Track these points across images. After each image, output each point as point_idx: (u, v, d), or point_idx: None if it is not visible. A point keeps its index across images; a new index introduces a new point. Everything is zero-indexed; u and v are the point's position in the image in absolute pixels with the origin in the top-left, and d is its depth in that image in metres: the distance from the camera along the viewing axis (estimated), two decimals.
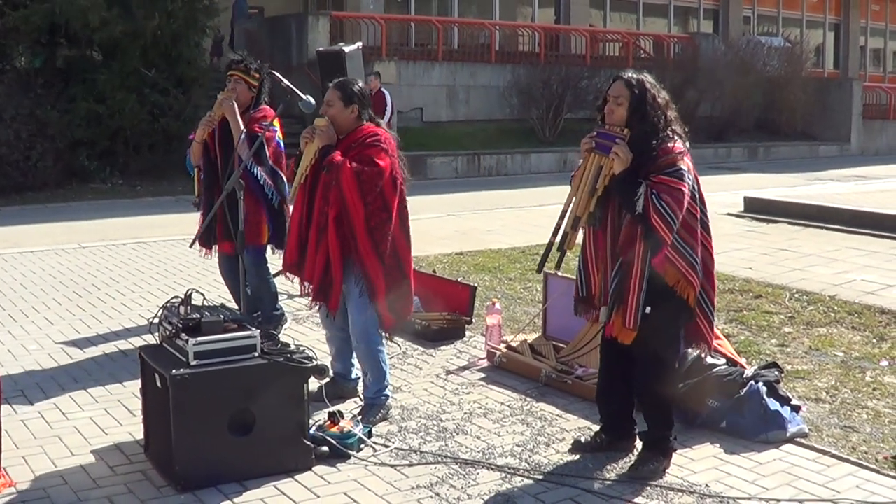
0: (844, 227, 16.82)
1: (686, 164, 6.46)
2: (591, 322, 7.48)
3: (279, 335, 7.95)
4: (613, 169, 6.38)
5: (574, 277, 7.18)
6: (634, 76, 6.61)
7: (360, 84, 7.83)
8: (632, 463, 6.80)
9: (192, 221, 10.05)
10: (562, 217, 6.56)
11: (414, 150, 26.05)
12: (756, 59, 37.76)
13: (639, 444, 7.02)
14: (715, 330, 7.23)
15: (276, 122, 9.13)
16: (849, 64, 50.54)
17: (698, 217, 6.55)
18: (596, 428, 7.24)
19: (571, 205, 6.53)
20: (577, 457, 6.96)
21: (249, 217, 8.94)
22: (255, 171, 9.00)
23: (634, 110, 6.49)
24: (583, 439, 7.14)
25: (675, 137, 6.53)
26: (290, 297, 10.33)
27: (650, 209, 6.26)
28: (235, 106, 9.14)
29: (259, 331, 6.71)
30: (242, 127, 9.08)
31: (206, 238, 9.44)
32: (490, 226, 17.97)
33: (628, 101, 6.51)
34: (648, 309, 6.45)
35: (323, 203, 7.40)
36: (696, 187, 6.53)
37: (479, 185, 25.82)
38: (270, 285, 9.62)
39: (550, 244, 6.60)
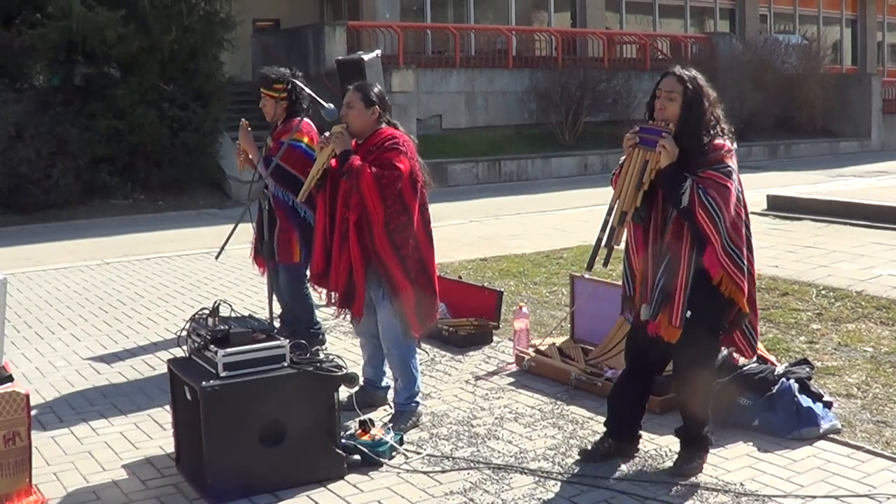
0: (868, 223, 16.76)
1: (733, 163, 6.43)
2: (621, 323, 7.44)
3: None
4: (660, 163, 6.33)
5: (600, 280, 7.15)
6: (686, 72, 6.54)
7: (379, 87, 7.83)
8: (674, 461, 6.77)
9: (214, 235, 10.04)
10: (609, 213, 6.49)
11: (434, 158, 26.05)
12: (774, 57, 37.67)
13: (666, 443, 7.03)
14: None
15: (303, 137, 9.06)
16: (867, 59, 50.40)
17: (743, 219, 6.50)
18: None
19: (618, 200, 6.47)
20: (610, 459, 6.93)
21: (281, 235, 9.02)
22: (280, 193, 9.05)
23: (689, 106, 6.43)
24: (589, 447, 7.08)
25: (725, 136, 6.50)
26: (317, 307, 10.30)
27: (696, 203, 6.21)
28: (246, 132, 9.38)
29: (288, 341, 6.70)
30: (255, 148, 9.34)
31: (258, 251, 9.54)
32: (513, 231, 17.96)
33: (682, 97, 6.44)
34: (689, 313, 6.41)
35: (344, 209, 7.39)
36: (740, 189, 6.49)
37: (500, 191, 25.83)
38: (308, 306, 9.58)
39: (599, 240, 6.53)
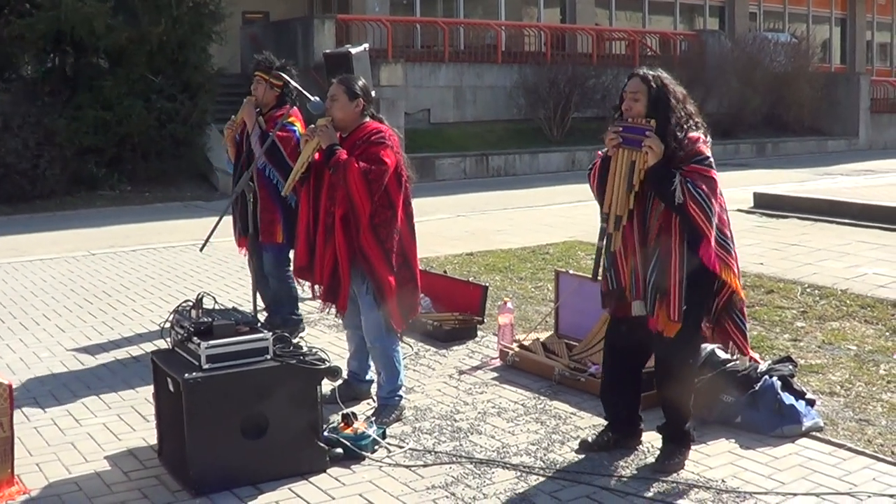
0: (854, 221, 16.79)
1: (710, 153, 6.48)
2: (605, 319, 7.45)
3: (294, 339, 7.92)
4: (647, 163, 6.35)
5: (585, 276, 7.17)
6: (650, 72, 6.58)
7: (363, 81, 7.83)
8: (657, 457, 6.79)
9: (201, 227, 10.04)
10: (604, 220, 6.52)
11: (422, 152, 26.09)
12: (763, 54, 37.68)
13: (647, 439, 7.05)
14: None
15: (297, 122, 9.22)
16: (856, 58, 50.46)
17: (725, 208, 6.55)
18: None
19: (612, 205, 6.47)
20: (592, 454, 6.94)
21: (263, 215, 9.18)
22: (268, 170, 9.15)
23: (654, 105, 6.46)
24: (590, 439, 7.10)
25: (699, 129, 6.53)
26: (302, 300, 10.29)
27: (687, 198, 6.24)
28: (251, 106, 9.37)
29: (271, 333, 6.70)
30: (257, 125, 9.31)
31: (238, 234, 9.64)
32: (500, 226, 17.96)
33: (646, 97, 6.48)
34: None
35: (329, 203, 7.40)
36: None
37: (487, 186, 25.81)
38: (291, 288, 9.67)
39: (599, 249, 6.59)
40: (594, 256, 6.73)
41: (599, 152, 6.70)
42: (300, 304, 10.02)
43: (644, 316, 6.59)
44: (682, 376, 6.68)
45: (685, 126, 6.48)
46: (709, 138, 6.58)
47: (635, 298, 6.65)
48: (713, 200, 6.33)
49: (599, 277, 6.84)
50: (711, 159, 6.47)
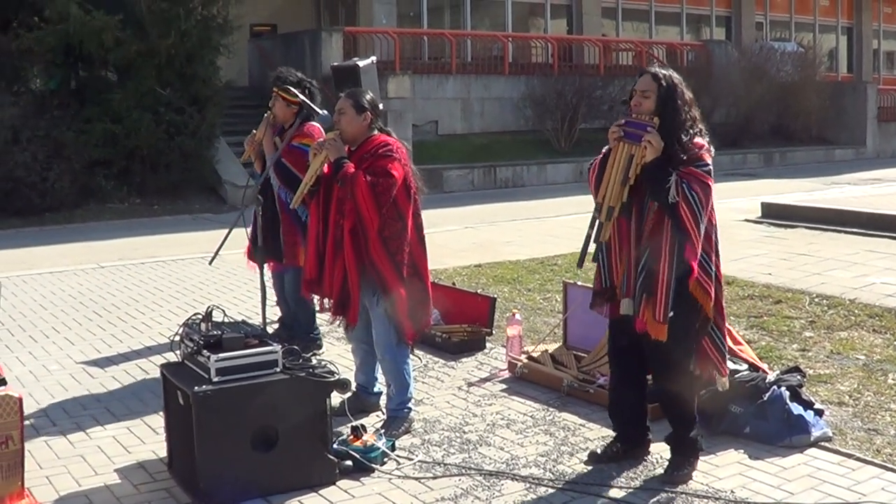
0: (862, 231, 16.75)
1: (711, 162, 6.48)
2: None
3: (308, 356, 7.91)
4: (645, 157, 6.37)
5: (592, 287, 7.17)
6: (662, 70, 6.61)
7: (371, 94, 7.84)
8: (665, 468, 6.80)
9: (209, 239, 10.05)
10: (596, 209, 6.53)
11: (429, 164, 26.04)
12: (769, 64, 37.64)
13: (656, 450, 7.07)
14: (736, 336, 7.22)
15: (309, 142, 9.18)
16: (862, 67, 50.41)
17: (714, 224, 6.55)
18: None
19: (605, 195, 6.49)
20: (601, 466, 6.94)
21: (287, 238, 9.29)
22: (284, 194, 9.16)
23: (663, 103, 6.48)
24: (598, 450, 7.11)
25: (704, 136, 6.55)
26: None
27: (680, 199, 6.25)
28: (266, 125, 9.42)
29: (281, 346, 6.71)
30: (274, 146, 9.35)
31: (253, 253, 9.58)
32: (508, 237, 17.95)
33: (656, 94, 6.50)
34: (671, 313, 6.43)
35: (338, 216, 7.41)
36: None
37: (495, 197, 25.77)
38: (309, 308, 9.67)
39: (588, 237, 6.58)
40: (581, 244, 6.72)
41: (603, 150, 6.72)
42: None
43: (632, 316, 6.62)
44: (680, 381, 6.65)
45: (690, 130, 6.51)
46: (712, 149, 6.60)
47: (625, 296, 6.67)
48: (705, 206, 6.33)
49: (591, 266, 6.86)
50: (711, 167, 6.48)
